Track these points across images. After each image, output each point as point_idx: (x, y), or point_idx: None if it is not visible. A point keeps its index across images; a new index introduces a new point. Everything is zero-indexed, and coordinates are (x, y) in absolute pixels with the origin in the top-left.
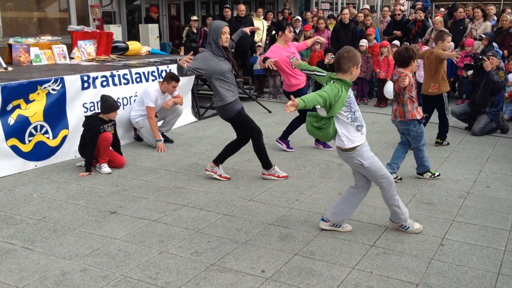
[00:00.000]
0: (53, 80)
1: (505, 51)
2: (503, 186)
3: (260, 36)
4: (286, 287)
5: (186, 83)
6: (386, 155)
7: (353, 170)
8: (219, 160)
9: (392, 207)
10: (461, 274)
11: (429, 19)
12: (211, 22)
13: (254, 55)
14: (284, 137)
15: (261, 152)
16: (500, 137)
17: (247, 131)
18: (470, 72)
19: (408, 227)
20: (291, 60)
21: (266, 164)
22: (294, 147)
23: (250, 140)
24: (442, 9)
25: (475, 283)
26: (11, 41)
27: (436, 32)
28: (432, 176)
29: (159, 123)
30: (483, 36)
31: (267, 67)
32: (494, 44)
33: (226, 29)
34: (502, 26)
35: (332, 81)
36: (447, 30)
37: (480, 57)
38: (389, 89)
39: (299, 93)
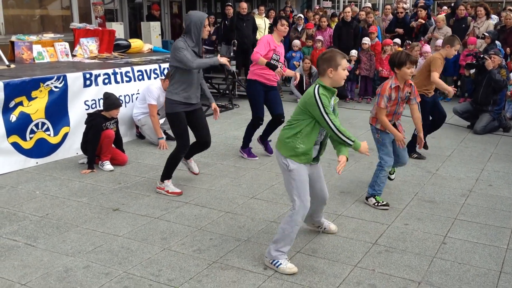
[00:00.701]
0: (55, 77)
1: (508, 49)
2: (505, 185)
3: (262, 34)
4: (288, 285)
5: None
6: None
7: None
8: (164, 176)
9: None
10: (463, 272)
11: (431, 17)
12: (189, 12)
13: None
14: (246, 145)
15: (172, 164)
16: (502, 135)
17: (175, 136)
18: (472, 71)
19: (280, 264)
20: (272, 56)
21: (166, 176)
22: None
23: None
24: (445, 7)
25: (477, 281)
26: (13, 38)
27: (448, 36)
28: (376, 204)
29: (161, 121)
30: (486, 34)
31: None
32: (497, 42)
33: (207, 21)
34: (505, 25)
35: (315, 89)
36: (459, 39)
37: (482, 56)
38: None
39: (257, 86)
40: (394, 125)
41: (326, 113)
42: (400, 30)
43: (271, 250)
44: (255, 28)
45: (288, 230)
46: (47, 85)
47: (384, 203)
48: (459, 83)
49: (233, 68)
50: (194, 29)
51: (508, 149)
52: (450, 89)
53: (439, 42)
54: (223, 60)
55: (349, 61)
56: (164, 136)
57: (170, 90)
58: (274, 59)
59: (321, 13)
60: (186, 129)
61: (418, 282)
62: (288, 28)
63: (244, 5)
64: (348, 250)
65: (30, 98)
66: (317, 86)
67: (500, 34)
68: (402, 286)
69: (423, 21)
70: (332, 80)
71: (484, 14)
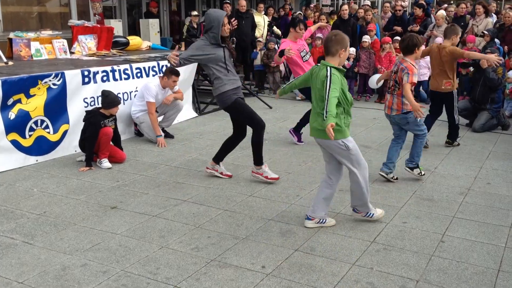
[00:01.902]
0: (53, 74)
1: (506, 47)
2: (504, 183)
3: (261, 32)
4: (286, 283)
5: (186, 78)
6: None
7: (326, 158)
8: (218, 158)
9: (365, 195)
10: (461, 271)
11: (431, 15)
12: (208, 11)
13: (255, 50)
14: (297, 129)
15: (258, 146)
16: (501, 133)
17: (247, 122)
18: (471, 69)
19: (373, 214)
20: (301, 53)
21: (258, 160)
22: (297, 143)
23: (249, 134)
24: (446, 5)
25: (475, 279)
26: (11, 35)
27: (448, 26)
28: (420, 174)
29: (160, 118)
30: (486, 32)
31: (283, 61)
32: (496, 40)
33: (226, 20)
34: (504, 23)
35: (328, 71)
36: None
37: None
38: (374, 79)
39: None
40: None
41: (332, 89)
42: (399, 28)
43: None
44: (254, 26)
45: (368, 192)
46: (45, 82)
47: (423, 173)
48: (457, 81)
49: None
50: (213, 27)
51: (506, 147)
52: (484, 56)
53: (439, 39)
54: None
55: (348, 58)
56: (163, 134)
57: (216, 87)
58: (303, 56)
59: (315, 10)
60: (253, 111)
61: (416, 280)
62: (304, 32)
63: (243, 2)
64: (346, 248)
65: (28, 96)
66: (329, 68)
67: (499, 32)
68: (400, 284)
69: (416, 28)
70: (341, 59)
71: (483, 12)
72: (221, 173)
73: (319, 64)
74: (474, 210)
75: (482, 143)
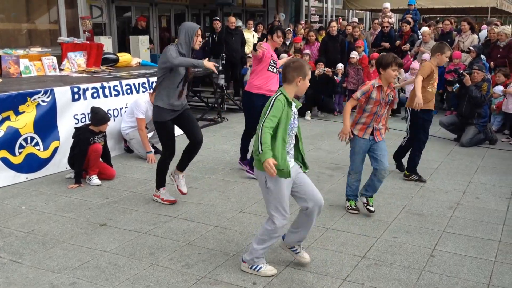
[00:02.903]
0: (42, 91)
1: (492, 63)
2: (492, 197)
3: (251, 48)
4: None
5: None
6: None
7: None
8: (158, 184)
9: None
10: (451, 285)
11: (419, 31)
12: (183, 23)
13: (245, 66)
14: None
15: (162, 170)
16: (488, 148)
17: (161, 143)
18: (453, 86)
19: (260, 268)
20: (270, 61)
21: (159, 183)
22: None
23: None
24: (431, 22)
25: None
26: (0, 52)
27: (436, 44)
28: (348, 207)
29: (150, 135)
30: (472, 48)
31: (259, 54)
32: (481, 56)
33: (199, 32)
34: (490, 39)
35: (274, 96)
36: (448, 45)
37: (461, 72)
38: None
39: (256, 98)
40: (374, 128)
41: (267, 118)
42: (386, 44)
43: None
44: (243, 42)
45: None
46: (34, 99)
47: (354, 207)
48: (445, 96)
49: (222, 82)
50: (185, 38)
51: (494, 162)
52: (420, 101)
53: (426, 56)
54: (209, 64)
55: (336, 74)
56: (153, 150)
57: (157, 97)
58: (272, 65)
59: (307, 27)
60: (172, 138)
61: None
62: (282, 40)
63: (233, 19)
64: (337, 263)
65: (17, 113)
66: (278, 93)
67: (485, 48)
68: None
69: (400, 44)
70: (298, 89)
71: (468, 28)
72: (162, 199)
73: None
74: (463, 224)
75: (470, 158)
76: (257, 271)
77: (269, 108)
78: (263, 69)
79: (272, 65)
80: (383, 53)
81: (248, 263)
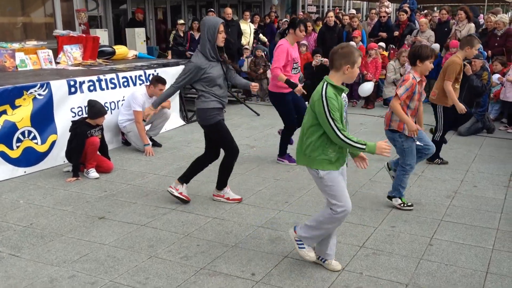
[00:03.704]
0: (39, 85)
1: (489, 52)
2: (490, 186)
3: (247, 39)
4: None
5: None
6: (374, 156)
7: None
8: (184, 178)
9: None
10: (450, 274)
11: (416, 21)
12: (203, 19)
13: (241, 58)
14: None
15: (226, 172)
16: (486, 137)
17: (223, 146)
18: None
19: (304, 248)
20: (293, 64)
21: (222, 184)
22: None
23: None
24: (426, 11)
25: (464, 282)
26: None
27: (466, 36)
28: (402, 205)
29: (147, 127)
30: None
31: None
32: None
33: (222, 27)
34: (486, 27)
35: (322, 90)
36: (477, 37)
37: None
38: (364, 87)
39: (283, 97)
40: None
41: (332, 119)
42: (383, 34)
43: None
44: (240, 34)
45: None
46: (31, 93)
47: (410, 204)
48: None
49: None
50: (208, 35)
51: (492, 150)
52: (462, 107)
53: None
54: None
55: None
56: (150, 143)
57: (201, 100)
58: (295, 68)
59: (305, 17)
60: (231, 135)
61: (405, 284)
62: (305, 35)
63: (229, 10)
64: (336, 254)
65: (14, 107)
66: (325, 85)
67: (482, 37)
68: None
69: (398, 34)
70: (346, 77)
71: (465, 17)
72: (180, 194)
73: None
74: (461, 213)
75: (468, 147)
76: (299, 248)
77: (325, 109)
78: (286, 72)
79: (295, 67)
80: (420, 44)
81: (298, 237)
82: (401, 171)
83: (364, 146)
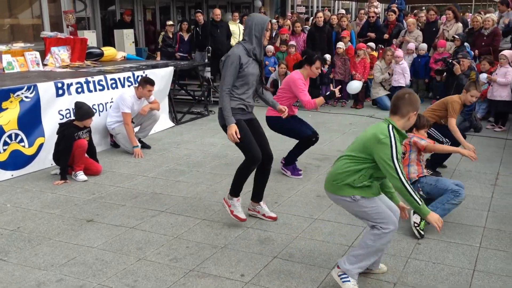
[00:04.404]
0: (26, 87)
1: (476, 51)
2: (477, 184)
3: (236, 40)
4: None
5: (162, 88)
6: None
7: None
8: (257, 196)
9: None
10: (437, 272)
11: (404, 21)
12: (251, 15)
13: None
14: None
15: (240, 178)
16: (473, 135)
17: (240, 149)
18: (442, 76)
19: (348, 281)
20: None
21: (233, 191)
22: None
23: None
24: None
25: (451, 280)
26: None
27: (470, 80)
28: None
29: (136, 129)
30: (456, 37)
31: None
32: (466, 44)
33: (270, 25)
34: (473, 27)
35: (389, 130)
36: (478, 86)
37: (450, 60)
38: (353, 85)
39: (280, 118)
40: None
41: (399, 163)
42: (372, 34)
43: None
44: (229, 35)
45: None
46: (18, 95)
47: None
48: (430, 85)
49: (208, 75)
50: (254, 32)
51: (479, 149)
52: (471, 151)
53: (411, 45)
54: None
55: (323, 65)
56: (139, 145)
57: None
58: (297, 102)
59: (295, 18)
60: (253, 140)
61: (393, 283)
62: (320, 71)
63: (218, 11)
64: (325, 253)
65: (0, 109)
66: (390, 127)
67: (469, 37)
68: (378, 287)
69: (387, 36)
70: (409, 123)
71: (453, 17)
72: (263, 215)
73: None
74: None
75: (455, 145)
76: (343, 282)
77: (393, 151)
78: (289, 103)
79: (297, 102)
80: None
81: (342, 271)
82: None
83: (420, 202)
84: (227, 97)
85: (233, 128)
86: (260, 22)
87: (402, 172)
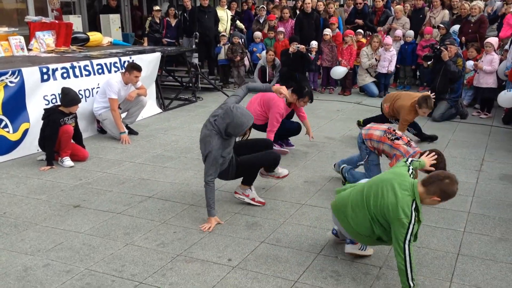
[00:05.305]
0: (10, 72)
1: (463, 38)
2: (463, 170)
3: (224, 26)
4: (252, 275)
5: (149, 74)
6: (351, 142)
7: None
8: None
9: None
10: (422, 256)
11: (391, 8)
12: (233, 109)
13: (218, 45)
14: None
15: (257, 170)
16: (459, 122)
17: (259, 167)
18: (429, 62)
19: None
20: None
21: (251, 181)
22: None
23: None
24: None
25: (435, 264)
26: None
27: (422, 96)
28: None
29: (123, 115)
30: (441, 25)
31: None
32: (454, 30)
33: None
34: (460, 14)
35: (412, 205)
36: (429, 102)
37: (438, 47)
38: (337, 70)
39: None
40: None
41: (409, 243)
42: (360, 21)
43: None
44: (217, 20)
45: None
46: (2, 80)
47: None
48: (418, 72)
49: (196, 61)
50: (230, 130)
51: (465, 136)
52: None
53: (398, 32)
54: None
55: (310, 52)
56: (126, 131)
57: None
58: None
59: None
60: (252, 158)
61: (379, 267)
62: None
63: None
64: (312, 238)
65: None
66: (414, 203)
67: (455, 24)
68: (364, 271)
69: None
70: (429, 202)
71: (440, 4)
72: (253, 199)
73: None
74: None
75: (442, 132)
76: (364, 250)
77: (407, 235)
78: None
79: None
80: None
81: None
82: None
83: (412, 284)
84: (210, 189)
85: (212, 221)
86: (239, 125)
87: (409, 255)
